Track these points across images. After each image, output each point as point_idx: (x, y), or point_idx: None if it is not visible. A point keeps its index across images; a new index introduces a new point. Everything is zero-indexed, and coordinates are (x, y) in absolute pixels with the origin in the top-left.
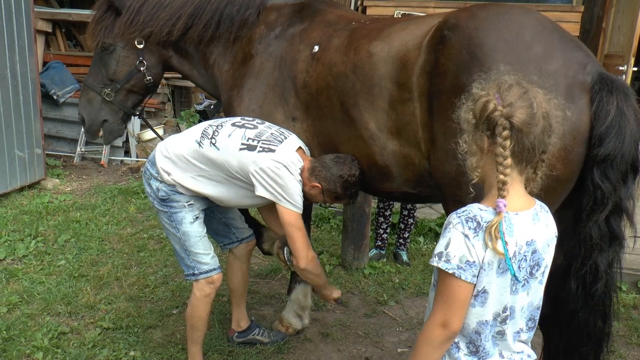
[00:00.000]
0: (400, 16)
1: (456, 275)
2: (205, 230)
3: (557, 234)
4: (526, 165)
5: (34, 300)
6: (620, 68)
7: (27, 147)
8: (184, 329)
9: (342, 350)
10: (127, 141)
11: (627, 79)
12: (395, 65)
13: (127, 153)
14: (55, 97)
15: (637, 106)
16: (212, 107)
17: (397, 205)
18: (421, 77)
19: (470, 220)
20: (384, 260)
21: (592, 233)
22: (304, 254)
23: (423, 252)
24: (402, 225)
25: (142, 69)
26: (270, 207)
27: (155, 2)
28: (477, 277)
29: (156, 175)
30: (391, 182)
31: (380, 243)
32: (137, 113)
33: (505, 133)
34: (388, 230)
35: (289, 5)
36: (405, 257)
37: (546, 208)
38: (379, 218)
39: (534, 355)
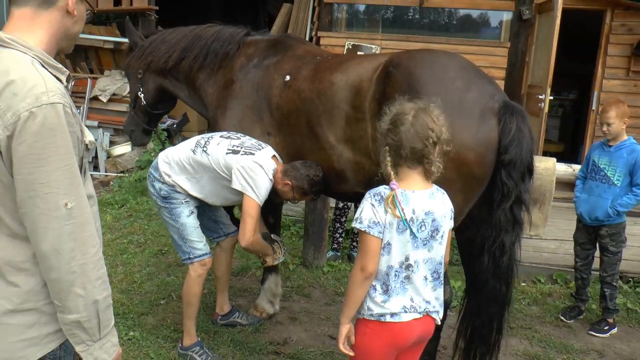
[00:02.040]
0: (350, 47)
1: (367, 232)
2: (198, 223)
3: (452, 210)
4: (410, 163)
5: None
6: (540, 97)
7: None
8: (173, 315)
9: (308, 330)
10: (96, 156)
11: (546, 106)
12: (352, 92)
13: (96, 168)
14: None
15: (530, 125)
16: (174, 125)
17: (351, 214)
18: (372, 102)
19: (376, 194)
20: (340, 260)
21: (500, 218)
22: (247, 236)
23: None
24: (355, 231)
25: (139, 94)
26: None
27: (158, 40)
28: (383, 234)
29: (159, 177)
30: (346, 184)
31: (336, 246)
32: (151, 128)
33: (384, 143)
34: (343, 235)
35: (264, 40)
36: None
37: (442, 191)
38: (336, 224)
39: (440, 310)
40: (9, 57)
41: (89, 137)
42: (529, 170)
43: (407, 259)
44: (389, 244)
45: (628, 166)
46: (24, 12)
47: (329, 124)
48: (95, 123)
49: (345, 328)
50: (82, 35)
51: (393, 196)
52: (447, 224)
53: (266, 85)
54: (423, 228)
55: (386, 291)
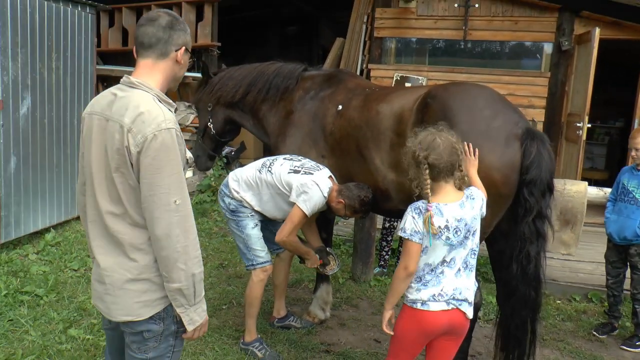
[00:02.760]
0: (399, 78)
1: (409, 239)
2: (261, 234)
3: (482, 211)
4: (447, 177)
5: None
6: (578, 124)
7: None
8: (234, 319)
9: (355, 334)
10: None
11: (583, 133)
12: (395, 121)
13: None
14: None
15: (550, 149)
16: (232, 153)
17: (396, 235)
18: (413, 130)
19: (416, 208)
20: (385, 276)
21: (524, 231)
22: (284, 234)
23: None
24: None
25: (209, 123)
26: (308, 224)
27: (226, 77)
28: (422, 240)
29: (228, 193)
30: (390, 202)
31: (382, 263)
32: (217, 154)
33: (425, 167)
34: (389, 253)
35: (320, 75)
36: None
37: (472, 197)
38: (382, 242)
39: (471, 299)
40: (138, 95)
41: (188, 154)
42: (549, 188)
43: (444, 258)
44: (427, 247)
45: None
46: (146, 62)
47: (375, 148)
48: None
49: (388, 313)
50: None
51: (429, 217)
52: (477, 224)
53: (321, 115)
54: (458, 233)
55: (421, 282)
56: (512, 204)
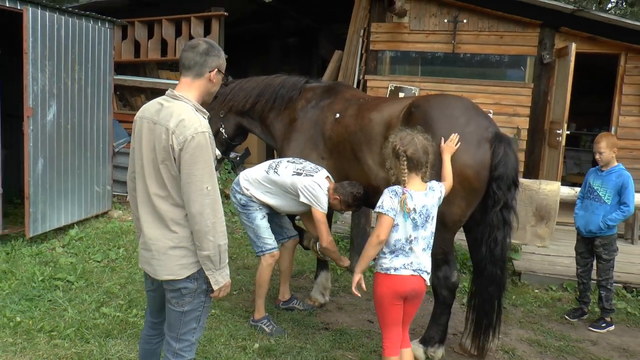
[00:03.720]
0: (393, 88)
1: (385, 213)
2: (269, 225)
3: (440, 199)
4: (417, 170)
5: (136, 282)
6: (558, 131)
7: (102, 184)
8: (243, 302)
9: (351, 316)
10: None
11: (562, 139)
12: (385, 127)
13: None
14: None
15: (515, 150)
16: (237, 158)
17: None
18: None
19: (392, 190)
20: None
21: (493, 219)
22: (325, 237)
23: None
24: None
25: (221, 129)
26: (308, 216)
27: (237, 88)
28: (395, 217)
29: (239, 190)
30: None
31: (375, 256)
32: (226, 157)
33: (403, 159)
34: None
35: (320, 87)
36: (428, 282)
37: (432, 188)
38: None
39: (429, 272)
40: (180, 106)
41: (217, 152)
42: (514, 183)
43: (410, 236)
44: (397, 225)
45: (617, 188)
46: (186, 80)
47: (368, 150)
48: None
49: (358, 276)
50: (165, 81)
51: (405, 199)
52: (435, 209)
53: (321, 122)
54: (421, 216)
55: (394, 255)
56: (483, 197)
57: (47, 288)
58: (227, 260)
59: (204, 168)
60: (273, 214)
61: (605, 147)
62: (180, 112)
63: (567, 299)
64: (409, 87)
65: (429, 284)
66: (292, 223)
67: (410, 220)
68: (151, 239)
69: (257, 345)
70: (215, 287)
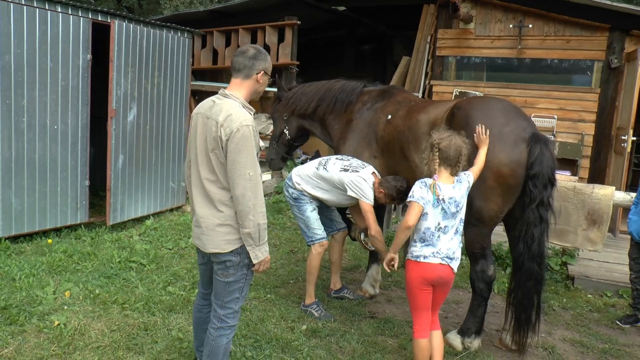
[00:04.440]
0: (458, 93)
1: (416, 201)
2: (318, 217)
3: (468, 190)
4: (447, 165)
5: None
6: (623, 137)
7: (177, 181)
8: (298, 290)
9: (399, 308)
10: None
11: (628, 146)
12: (430, 126)
13: None
14: None
15: (552, 150)
16: (308, 160)
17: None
18: None
19: (423, 181)
20: None
21: (529, 216)
22: (373, 226)
23: (463, 265)
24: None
25: (285, 130)
26: (355, 209)
27: (299, 92)
28: (425, 205)
29: (292, 185)
30: None
31: None
32: (289, 156)
33: (435, 150)
34: None
35: (375, 90)
36: (455, 270)
37: (460, 181)
38: None
39: (458, 257)
40: (228, 103)
41: (261, 143)
42: (550, 181)
43: (439, 224)
44: (426, 213)
45: None
46: (236, 81)
47: (415, 149)
48: None
49: (390, 255)
50: None
51: (435, 184)
52: (464, 199)
53: (374, 123)
54: (450, 206)
55: (423, 243)
56: (521, 195)
57: (122, 269)
58: (266, 238)
59: (247, 156)
60: (323, 208)
61: None
62: (228, 108)
63: (622, 305)
64: (473, 92)
65: (455, 270)
66: (341, 216)
67: (439, 209)
68: (202, 217)
69: (304, 327)
70: (255, 261)
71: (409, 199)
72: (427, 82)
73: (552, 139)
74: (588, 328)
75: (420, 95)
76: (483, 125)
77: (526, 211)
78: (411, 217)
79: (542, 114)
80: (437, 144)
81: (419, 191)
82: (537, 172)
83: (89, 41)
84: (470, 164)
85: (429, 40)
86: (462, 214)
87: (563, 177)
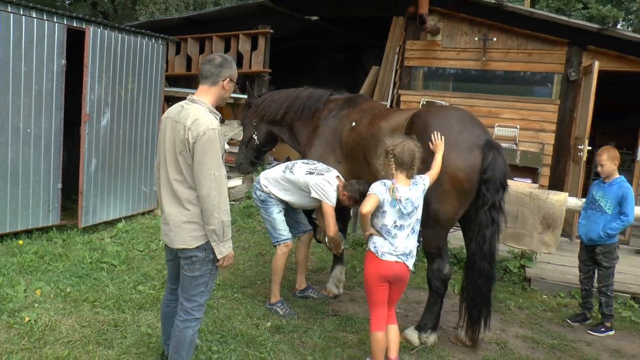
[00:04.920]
0: (425, 102)
1: (374, 193)
2: (284, 219)
3: (424, 192)
4: (402, 168)
5: None
6: (580, 147)
7: (149, 185)
8: (264, 290)
9: (362, 307)
10: None
11: (584, 155)
12: (391, 133)
13: None
14: None
15: (504, 156)
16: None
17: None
18: None
19: (382, 181)
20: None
21: (482, 218)
22: (332, 227)
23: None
24: None
25: (254, 136)
26: (321, 212)
27: (269, 99)
28: (382, 201)
29: (260, 188)
30: None
31: None
32: (258, 161)
33: (390, 156)
34: None
35: (341, 98)
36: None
37: (415, 184)
38: None
39: (413, 255)
40: (196, 108)
41: (225, 146)
42: (502, 186)
43: (395, 222)
44: (384, 211)
45: (617, 198)
46: (203, 87)
47: (377, 155)
48: None
49: (369, 232)
50: None
51: (394, 188)
52: (420, 200)
53: (339, 129)
54: (407, 207)
55: (382, 238)
56: (475, 198)
57: (94, 269)
58: (230, 235)
59: (212, 158)
60: (290, 210)
61: (606, 159)
62: (196, 113)
63: (573, 305)
64: (440, 102)
65: (412, 268)
66: (307, 219)
67: (397, 209)
68: (170, 215)
69: (269, 324)
70: (219, 257)
71: (369, 192)
72: (395, 91)
73: (515, 147)
74: (540, 326)
75: (388, 104)
76: (438, 132)
77: (479, 213)
78: (367, 205)
79: (506, 124)
80: (392, 150)
81: (378, 187)
82: (490, 177)
83: (64, 46)
84: (425, 166)
85: (397, 51)
86: (418, 214)
87: (524, 185)
